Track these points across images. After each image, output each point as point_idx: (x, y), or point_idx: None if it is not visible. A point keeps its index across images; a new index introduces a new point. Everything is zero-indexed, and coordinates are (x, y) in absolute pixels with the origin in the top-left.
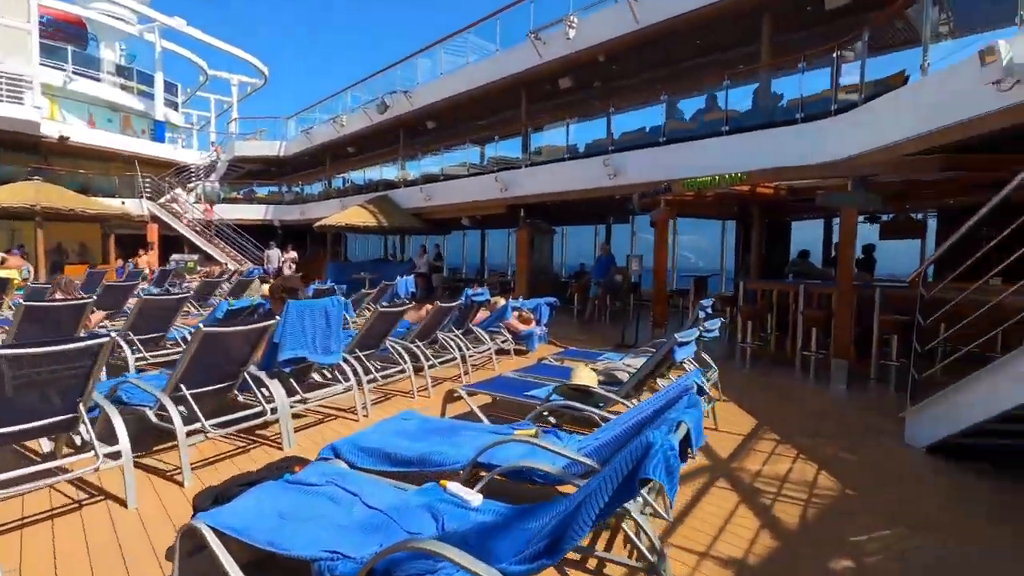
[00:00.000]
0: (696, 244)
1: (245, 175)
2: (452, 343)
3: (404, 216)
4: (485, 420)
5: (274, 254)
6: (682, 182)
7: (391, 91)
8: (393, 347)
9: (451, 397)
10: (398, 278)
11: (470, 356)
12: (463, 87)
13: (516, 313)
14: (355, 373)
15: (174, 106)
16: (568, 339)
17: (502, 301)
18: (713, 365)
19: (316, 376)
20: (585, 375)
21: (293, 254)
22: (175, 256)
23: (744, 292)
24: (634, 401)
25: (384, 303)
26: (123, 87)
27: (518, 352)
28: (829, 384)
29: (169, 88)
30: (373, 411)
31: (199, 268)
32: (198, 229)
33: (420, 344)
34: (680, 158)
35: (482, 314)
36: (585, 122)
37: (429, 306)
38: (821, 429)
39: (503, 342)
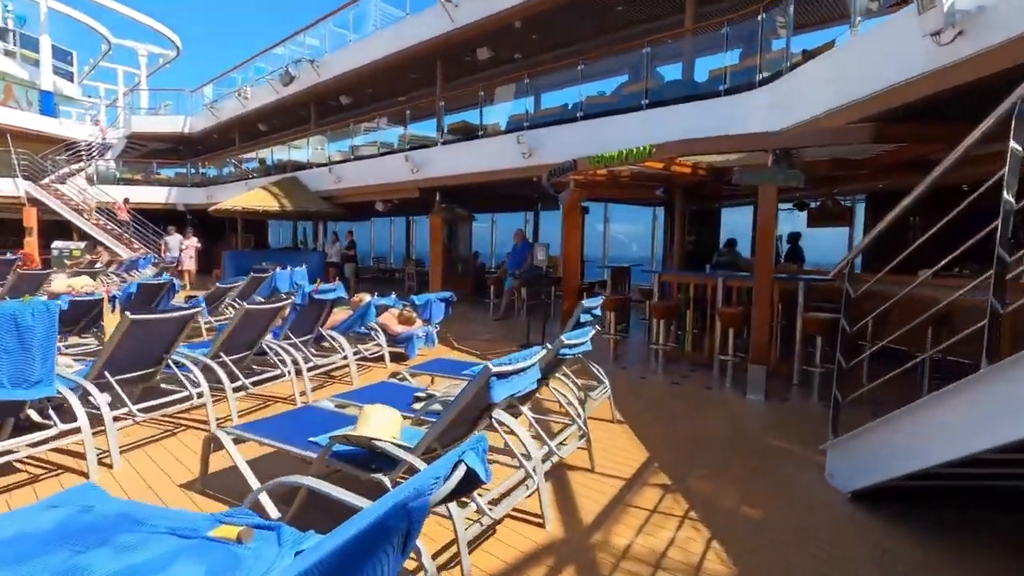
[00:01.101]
0: (635, 232)
1: (148, 154)
2: (287, 353)
3: (312, 199)
4: (252, 478)
5: (173, 241)
6: (588, 159)
7: (296, 60)
8: (183, 365)
9: (218, 444)
10: (276, 269)
11: (315, 368)
12: (374, 56)
13: (395, 312)
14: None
15: (69, 76)
16: (470, 339)
17: (366, 298)
18: (603, 381)
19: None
20: (378, 421)
21: (194, 240)
22: (57, 243)
23: (659, 286)
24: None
25: (259, 298)
26: (5, 52)
27: (398, 358)
28: (746, 393)
29: (62, 56)
30: None
31: (86, 256)
32: (87, 214)
33: (229, 360)
34: (598, 134)
35: (341, 315)
36: (503, 103)
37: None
38: (727, 463)
39: (375, 347)
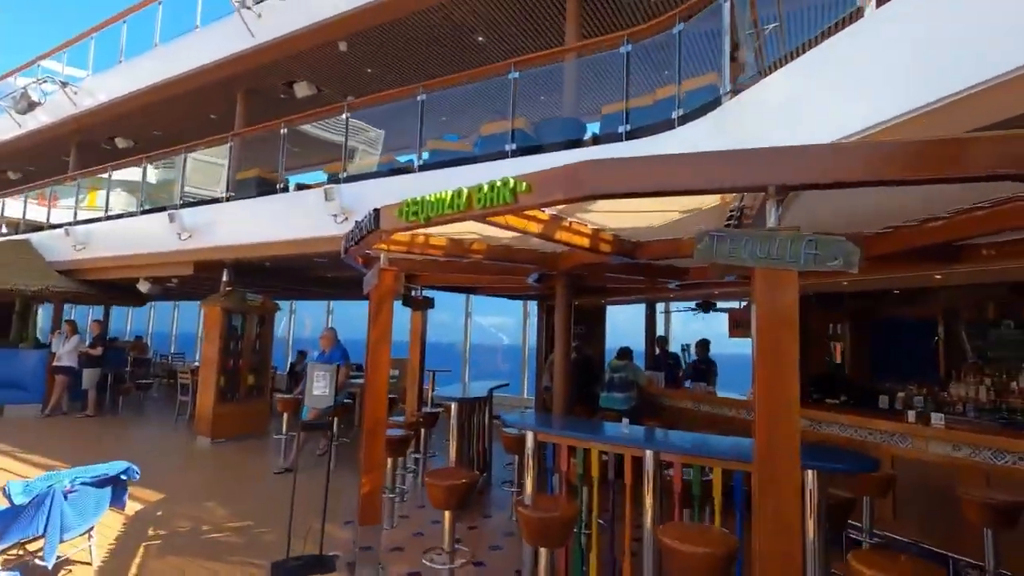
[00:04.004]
0: (508, 327)
1: None
2: None
3: (39, 273)
4: None
5: None
6: (399, 207)
7: (40, 79)
8: None
9: None
10: None
11: None
12: (149, 81)
13: None
14: None
15: None
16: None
17: None
18: None
19: None
20: None
21: None
22: None
23: (536, 448)
24: None
25: None
26: None
27: None
28: None
29: None
30: None
31: None
32: None
33: None
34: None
35: None
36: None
37: None
38: None
39: None
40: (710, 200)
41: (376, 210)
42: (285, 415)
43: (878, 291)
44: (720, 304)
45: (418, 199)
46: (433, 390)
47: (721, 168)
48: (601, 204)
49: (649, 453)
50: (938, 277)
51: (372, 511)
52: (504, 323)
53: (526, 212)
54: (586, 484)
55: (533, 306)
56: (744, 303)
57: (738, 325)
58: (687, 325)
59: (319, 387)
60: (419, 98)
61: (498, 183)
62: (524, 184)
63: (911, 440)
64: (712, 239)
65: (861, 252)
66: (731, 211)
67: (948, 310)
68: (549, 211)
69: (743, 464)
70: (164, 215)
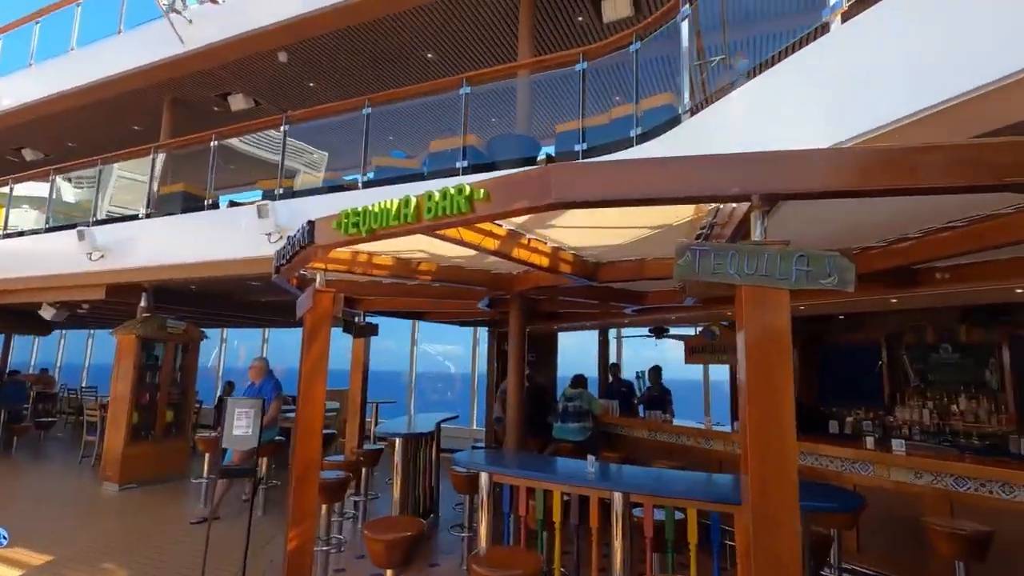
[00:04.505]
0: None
1: None
2: None
3: None
4: None
5: None
6: (337, 218)
7: None
8: None
9: None
10: None
11: None
12: (60, 87)
13: None
14: None
15: None
16: None
17: None
18: None
19: None
20: None
21: None
22: None
23: (491, 490)
24: None
25: None
26: None
27: None
28: None
29: None
30: None
31: None
32: None
33: None
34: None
35: None
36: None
37: None
38: None
39: None
40: (682, 214)
41: (311, 222)
42: (207, 455)
43: (825, 316)
44: (673, 330)
45: (359, 209)
46: (376, 423)
47: (703, 174)
48: (564, 218)
49: (618, 495)
50: (894, 301)
51: (300, 569)
52: (452, 351)
53: (483, 225)
54: (547, 530)
55: (484, 332)
56: (700, 329)
57: (694, 351)
58: (639, 352)
59: (240, 426)
60: (364, 111)
61: (452, 190)
62: (482, 191)
63: (872, 467)
64: (694, 253)
65: (853, 268)
66: (701, 228)
67: (891, 335)
68: (507, 225)
69: (722, 505)
70: (74, 232)
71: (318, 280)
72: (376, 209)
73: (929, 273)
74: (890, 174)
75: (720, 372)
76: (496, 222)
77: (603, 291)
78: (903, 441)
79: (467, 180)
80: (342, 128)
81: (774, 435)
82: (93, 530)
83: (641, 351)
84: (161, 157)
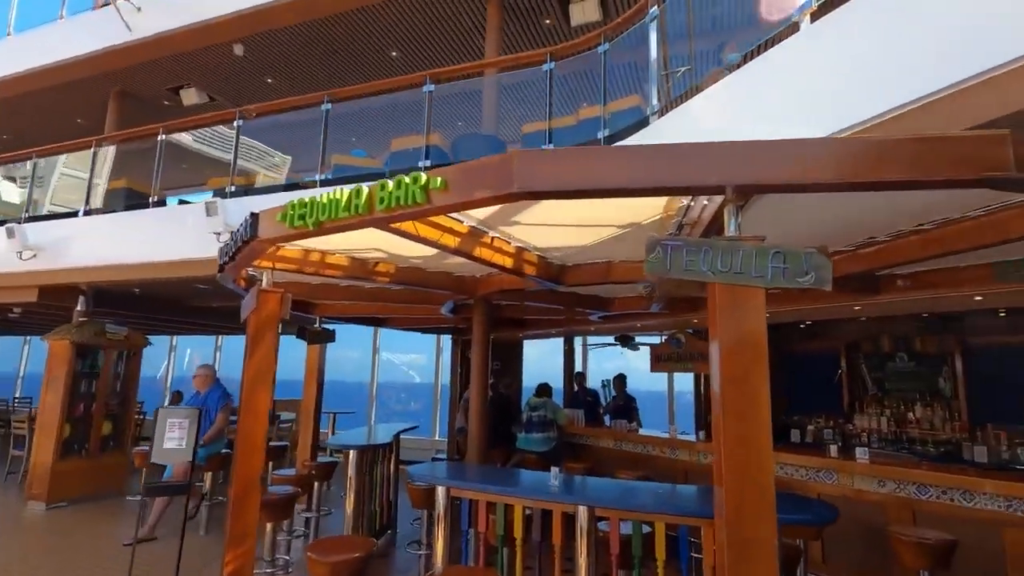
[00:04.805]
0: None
1: None
2: None
3: None
4: None
5: None
6: (282, 210)
7: None
8: None
9: None
10: None
11: None
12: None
13: None
14: None
15: None
16: None
17: None
18: None
19: None
20: None
21: None
22: None
23: (447, 505)
24: None
25: None
26: None
27: None
28: None
29: None
30: None
31: None
32: None
33: None
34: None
35: None
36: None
37: None
38: None
39: None
40: (651, 212)
41: (254, 214)
42: (144, 470)
43: (786, 324)
44: (639, 338)
45: (306, 200)
46: (333, 434)
47: (674, 164)
48: (527, 214)
49: (583, 509)
50: (857, 308)
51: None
52: (416, 360)
53: (441, 220)
54: (507, 546)
55: (448, 340)
56: (665, 336)
57: (660, 359)
58: (603, 361)
59: (173, 438)
60: (324, 107)
61: (407, 179)
62: (439, 180)
63: (836, 476)
64: (665, 249)
65: (830, 267)
66: (669, 232)
67: (850, 344)
68: (468, 222)
69: (692, 519)
70: (2, 230)
71: (264, 280)
72: (324, 200)
73: (891, 280)
74: (870, 165)
75: (685, 381)
76: (456, 217)
77: (569, 296)
78: (866, 449)
79: None
80: (302, 127)
81: (752, 447)
82: (9, 554)
83: (605, 361)
84: (109, 152)
